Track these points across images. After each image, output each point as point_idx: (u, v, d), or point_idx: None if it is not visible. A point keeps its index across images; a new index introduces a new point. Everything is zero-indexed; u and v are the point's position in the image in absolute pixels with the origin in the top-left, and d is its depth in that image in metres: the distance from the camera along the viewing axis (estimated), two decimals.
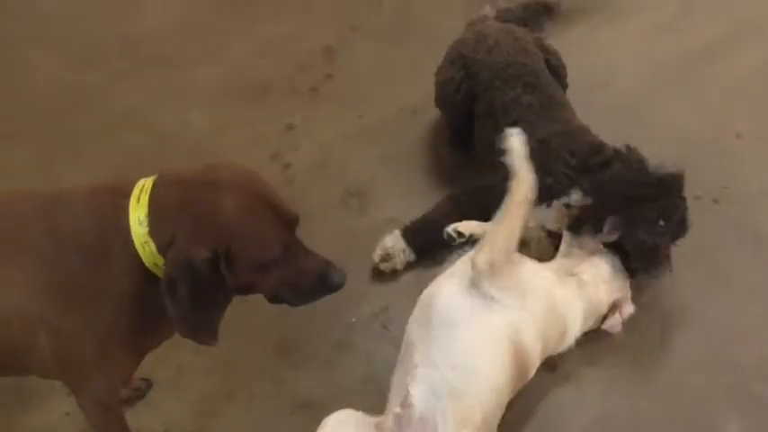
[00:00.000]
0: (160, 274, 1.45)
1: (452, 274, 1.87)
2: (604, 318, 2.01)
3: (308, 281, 1.59)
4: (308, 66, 2.97)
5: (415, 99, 2.75)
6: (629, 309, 2.03)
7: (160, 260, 1.44)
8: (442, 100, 2.53)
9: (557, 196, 2.11)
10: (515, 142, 1.82)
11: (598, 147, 2.13)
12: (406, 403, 1.71)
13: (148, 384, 2.08)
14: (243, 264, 1.46)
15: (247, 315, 2.22)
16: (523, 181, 1.79)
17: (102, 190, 1.50)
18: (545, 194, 2.06)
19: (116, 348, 1.54)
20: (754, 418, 1.97)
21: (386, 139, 2.69)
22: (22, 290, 1.46)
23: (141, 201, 1.45)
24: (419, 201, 2.43)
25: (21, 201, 1.53)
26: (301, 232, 2.43)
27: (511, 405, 1.98)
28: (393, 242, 2.29)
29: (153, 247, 1.43)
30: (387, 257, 2.28)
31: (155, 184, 1.47)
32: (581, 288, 1.96)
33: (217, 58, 3.05)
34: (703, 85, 2.82)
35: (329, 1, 3.27)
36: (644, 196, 2.00)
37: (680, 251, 2.27)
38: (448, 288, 1.82)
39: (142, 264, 1.45)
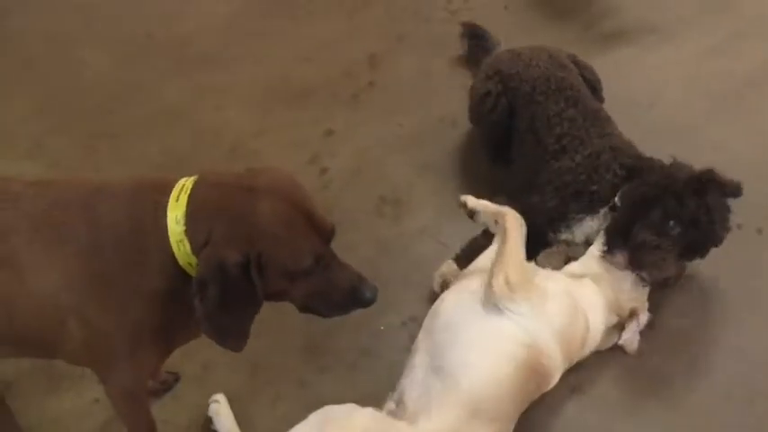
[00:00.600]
0: (193, 273, 1.46)
1: (459, 287, 1.97)
2: (622, 328, 2.00)
3: (338, 294, 1.59)
4: (351, 72, 2.99)
5: (455, 110, 2.74)
6: (644, 317, 2.02)
7: (194, 260, 1.46)
8: (478, 115, 2.51)
9: (601, 206, 2.12)
10: (471, 202, 2.05)
11: (647, 160, 2.13)
12: (400, 401, 1.78)
13: (176, 378, 2.10)
14: (274, 271, 1.46)
15: (276, 316, 2.23)
16: (508, 214, 1.95)
17: (143, 185, 1.52)
18: (590, 205, 2.11)
19: (144, 343, 1.57)
20: None
21: (424, 148, 2.69)
22: (59, 278, 1.49)
23: (180, 200, 1.47)
24: (454, 212, 2.39)
25: (67, 189, 1.55)
26: (335, 239, 2.46)
27: (532, 426, 1.97)
28: (448, 268, 2.25)
29: (188, 246, 1.45)
30: (446, 285, 2.21)
31: (195, 185, 1.49)
32: (597, 283, 2.00)
33: (260, 59, 3.08)
34: (753, 110, 2.77)
35: (376, 10, 3.29)
36: (653, 196, 2.00)
37: (719, 278, 2.25)
38: (454, 295, 1.93)
39: (176, 262, 1.47)
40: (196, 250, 1.44)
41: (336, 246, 2.38)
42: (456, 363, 1.78)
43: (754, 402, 2.01)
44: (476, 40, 2.91)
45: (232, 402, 2.02)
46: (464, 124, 2.68)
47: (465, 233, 2.32)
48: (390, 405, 1.82)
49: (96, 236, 1.48)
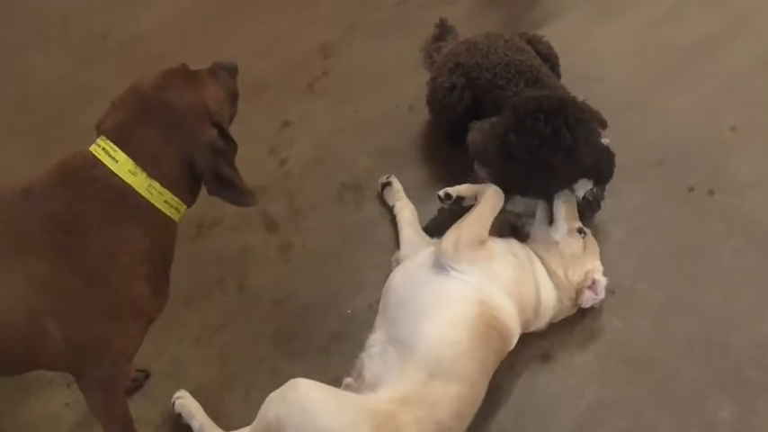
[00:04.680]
0: (171, 211, 1.57)
1: (406, 263, 2.06)
2: (579, 294, 2.07)
3: (231, 80, 1.83)
4: (305, 63, 3.00)
5: (411, 95, 2.77)
6: (602, 281, 2.08)
7: (169, 195, 1.54)
8: (442, 108, 2.51)
9: None
10: (452, 191, 2.16)
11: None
12: (358, 376, 1.83)
13: (146, 375, 2.10)
14: (222, 106, 1.69)
15: (244, 308, 2.27)
16: (489, 188, 2.08)
17: (69, 171, 1.56)
18: None
19: (128, 315, 1.58)
20: (745, 402, 1.98)
21: (382, 134, 2.70)
22: (26, 285, 1.49)
23: (117, 156, 1.51)
24: (415, 194, 2.45)
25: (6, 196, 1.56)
26: (299, 225, 2.49)
27: (505, 394, 2.02)
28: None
29: (158, 185, 1.53)
30: None
31: (115, 135, 1.55)
32: (544, 263, 2.08)
33: (214, 56, 3.03)
34: (698, 79, 2.83)
35: (326, 0, 3.29)
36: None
37: (673, 240, 2.31)
38: (401, 271, 2.02)
39: (154, 209, 1.54)
40: (171, 174, 1.55)
41: (300, 232, 2.43)
42: (411, 331, 1.82)
43: (711, 358, 2.07)
44: (443, 33, 2.91)
45: (204, 395, 2.03)
46: (420, 108, 2.70)
47: (426, 214, 2.36)
48: (348, 380, 1.86)
49: (53, 232, 1.48)
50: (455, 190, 2.19)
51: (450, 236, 1.96)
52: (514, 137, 2.02)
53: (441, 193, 2.21)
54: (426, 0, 3.19)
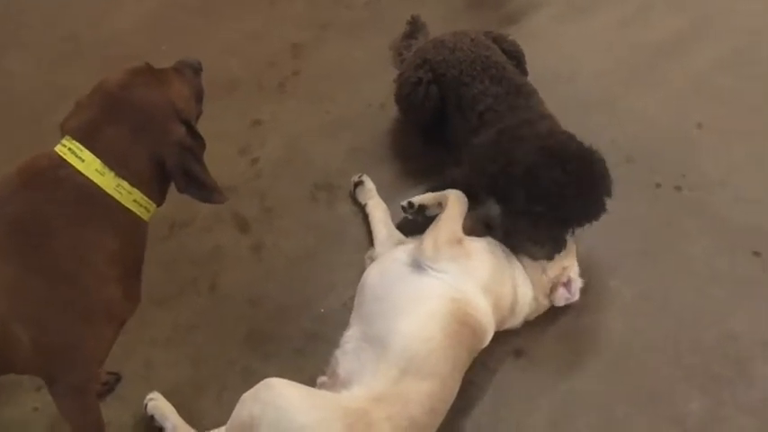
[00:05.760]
0: (139, 209, 1.56)
1: (382, 259, 2.08)
2: (553, 289, 2.09)
3: (196, 78, 1.84)
4: (276, 63, 2.99)
5: (382, 94, 2.77)
6: (577, 282, 2.11)
7: (138, 194, 1.53)
8: (409, 104, 2.51)
9: None
10: (416, 200, 2.21)
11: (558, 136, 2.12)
12: (333, 373, 1.84)
13: (117, 378, 2.07)
14: (189, 103, 1.70)
15: (216, 308, 2.25)
16: (450, 194, 2.11)
17: (31, 175, 1.53)
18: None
19: (99, 318, 1.56)
20: (714, 396, 2.01)
21: (353, 133, 2.71)
22: None
23: (84, 157, 1.49)
24: (388, 192, 2.45)
25: None
26: (271, 224, 2.48)
27: (480, 391, 2.03)
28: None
29: (126, 184, 1.51)
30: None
31: (83, 136, 1.52)
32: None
33: (187, 55, 3.04)
34: (665, 78, 2.87)
35: (297, 0, 3.29)
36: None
37: (644, 236, 2.34)
38: (377, 267, 2.04)
39: (123, 208, 1.52)
40: (140, 173, 1.54)
41: (273, 232, 2.42)
42: (385, 327, 1.83)
43: (681, 353, 2.10)
44: (414, 31, 2.92)
45: (177, 397, 2.01)
46: (391, 107, 2.71)
47: (399, 212, 2.35)
48: (322, 378, 1.86)
49: (18, 235, 1.46)
50: (417, 199, 2.23)
51: (429, 237, 1.98)
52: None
53: (404, 203, 2.24)
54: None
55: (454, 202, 2.10)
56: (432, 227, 2.03)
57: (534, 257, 2.06)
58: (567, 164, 1.94)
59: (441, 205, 2.14)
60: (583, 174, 1.96)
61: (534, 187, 1.95)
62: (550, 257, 2.06)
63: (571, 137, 2.08)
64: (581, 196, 1.96)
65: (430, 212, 2.20)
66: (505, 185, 2.03)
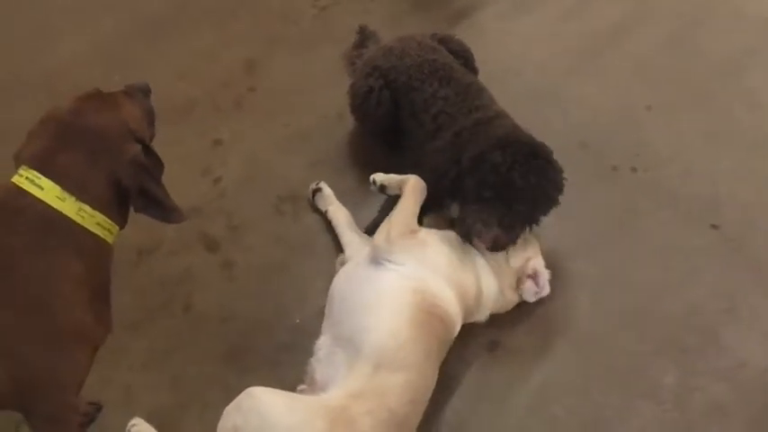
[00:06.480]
0: (103, 233, 1.57)
1: (346, 266, 2.12)
2: (519, 282, 2.13)
3: (146, 100, 1.86)
4: (230, 81, 3.00)
5: (338, 104, 2.79)
6: (545, 274, 2.15)
7: (100, 217, 1.55)
8: (364, 112, 2.54)
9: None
10: (379, 178, 2.24)
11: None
12: (311, 381, 1.87)
13: (98, 408, 2.06)
14: (141, 124, 1.73)
15: (192, 329, 2.26)
16: (410, 179, 2.16)
17: None
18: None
19: (71, 343, 1.56)
20: (687, 366, 2.08)
21: (314, 144, 2.73)
22: None
23: (43, 184, 1.51)
24: (352, 200, 2.48)
25: None
26: (239, 241, 2.48)
27: (458, 384, 2.06)
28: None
29: (88, 208, 1.53)
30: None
31: (38, 162, 1.54)
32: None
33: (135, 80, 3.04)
34: (612, 64, 2.96)
35: (244, 18, 3.29)
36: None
37: (603, 218, 2.40)
38: (342, 273, 2.08)
39: (87, 232, 1.54)
40: (100, 195, 1.56)
41: (242, 249, 2.43)
42: (353, 327, 1.86)
43: (650, 328, 2.17)
44: (364, 40, 2.96)
45: (159, 420, 2.00)
46: (348, 116, 2.72)
47: (364, 219, 2.39)
48: (302, 387, 1.89)
49: None
50: (381, 178, 2.27)
51: (382, 230, 2.03)
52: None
53: (372, 177, 2.29)
54: (343, 9, 3.24)
55: (410, 191, 2.13)
56: (386, 219, 2.07)
57: (485, 241, 2.06)
58: (508, 147, 2.02)
59: (401, 189, 2.18)
60: (523, 156, 2.01)
61: (479, 173, 2.03)
62: (503, 245, 2.08)
63: (517, 128, 2.17)
64: (524, 178, 2.00)
65: (390, 192, 2.25)
66: (457, 179, 2.10)
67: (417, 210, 2.11)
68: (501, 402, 2.05)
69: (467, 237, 2.09)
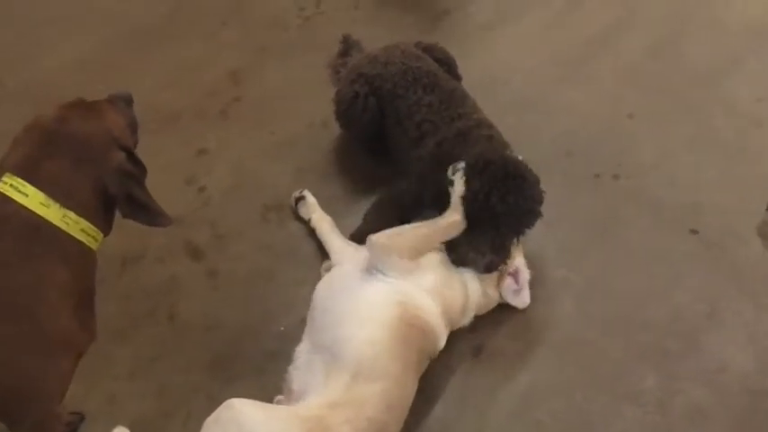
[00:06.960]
0: (87, 239, 1.58)
1: (329, 274, 2.12)
2: (500, 279, 2.15)
3: (128, 109, 1.85)
4: (216, 90, 3.01)
5: (323, 112, 2.80)
6: (525, 273, 2.18)
7: (85, 224, 1.55)
8: (349, 119, 2.55)
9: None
10: (458, 179, 2.07)
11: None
12: (288, 390, 1.88)
13: (81, 417, 2.05)
14: (125, 132, 1.73)
15: (176, 338, 2.26)
16: (452, 218, 2.05)
17: None
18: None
19: (57, 351, 1.56)
20: (668, 371, 2.10)
21: (299, 152, 2.74)
22: None
23: (27, 191, 1.51)
24: (338, 208, 2.49)
25: None
26: (224, 250, 2.49)
27: (442, 391, 2.07)
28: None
29: (72, 214, 1.53)
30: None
31: (24, 171, 1.54)
32: None
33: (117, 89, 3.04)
34: (595, 72, 2.99)
35: (231, 28, 3.31)
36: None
37: (586, 225, 2.42)
38: (325, 281, 2.08)
39: (72, 239, 1.54)
40: (84, 202, 1.56)
41: (227, 257, 2.43)
42: (332, 335, 1.87)
43: (633, 334, 2.18)
44: (348, 49, 2.97)
45: (143, 429, 2.01)
46: (333, 124, 2.73)
47: (349, 227, 2.40)
48: (279, 398, 1.90)
49: None
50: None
51: (389, 232, 2.02)
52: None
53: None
54: (328, 19, 3.27)
55: (445, 223, 2.06)
56: (402, 229, 2.05)
57: (479, 268, 2.09)
58: (483, 172, 2.03)
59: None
60: (498, 180, 2.02)
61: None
62: (496, 266, 2.11)
63: (492, 139, 2.20)
64: (503, 202, 2.01)
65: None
66: (439, 195, 2.13)
67: (436, 244, 2.08)
68: (485, 408, 2.05)
69: (461, 265, 2.10)
